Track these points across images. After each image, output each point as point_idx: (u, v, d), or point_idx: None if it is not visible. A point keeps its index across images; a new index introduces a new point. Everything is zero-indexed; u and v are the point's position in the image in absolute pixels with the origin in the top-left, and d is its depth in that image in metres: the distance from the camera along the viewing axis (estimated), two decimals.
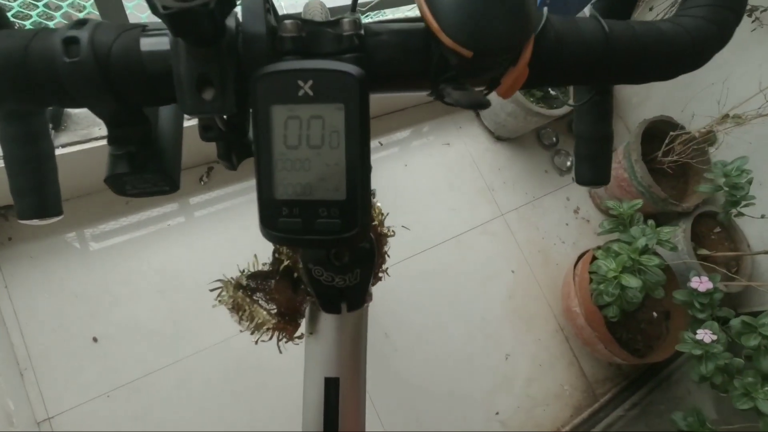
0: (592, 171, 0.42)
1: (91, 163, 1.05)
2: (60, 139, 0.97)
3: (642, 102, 1.82)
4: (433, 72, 0.29)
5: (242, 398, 1.15)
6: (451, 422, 1.33)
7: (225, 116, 0.31)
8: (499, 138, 1.69)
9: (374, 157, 1.53)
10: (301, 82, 0.26)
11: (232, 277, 0.37)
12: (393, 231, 0.43)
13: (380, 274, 0.45)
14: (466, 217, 1.55)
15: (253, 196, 1.34)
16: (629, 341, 1.41)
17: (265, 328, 0.36)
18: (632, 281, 1.05)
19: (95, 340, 1.09)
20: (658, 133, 1.56)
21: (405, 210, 1.49)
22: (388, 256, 0.43)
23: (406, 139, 1.60)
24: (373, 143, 1.54)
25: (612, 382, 1.55)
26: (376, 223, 0.41)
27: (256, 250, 0.42)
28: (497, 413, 1.38)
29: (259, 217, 0.28)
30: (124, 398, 1.07)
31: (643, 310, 1.46)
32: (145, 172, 0.31)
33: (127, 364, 1.09)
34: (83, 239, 1.17)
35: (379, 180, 1.49)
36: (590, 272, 1.29)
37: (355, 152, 0.26)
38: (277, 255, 0.39)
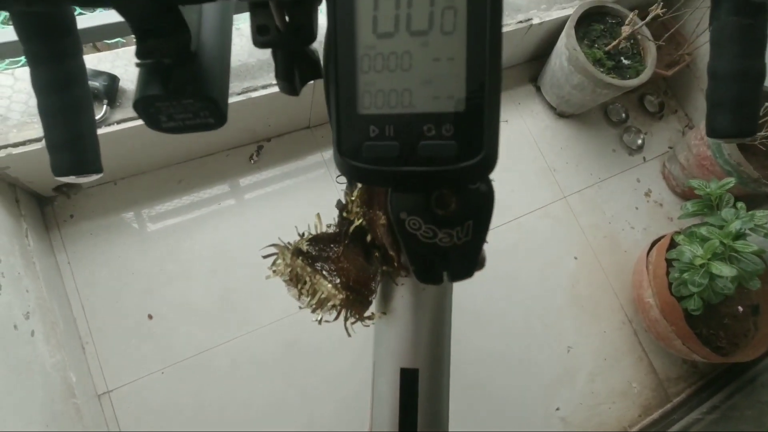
0: (733, 119, 0.33)
1: (146, 140, 1.04)
2: (115, 115, 0.97)
3: None
4: None
5: (293, 380, 1.13)
6: (507, 416, 1.25)
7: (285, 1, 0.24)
8: (561, 114, 1.56)
9: None
10: None
11: (289, 243, 0.31)
12: None
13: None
14: (526, 199, 1.45)
15: (307, 175, 1.29)
16: (710, 338, 1.27)
17: (330, 304, 0.29)
18: (725, 269, 0.92)
19: (150, 317, 1.10)
20: None
21: None
22: None
23: None
24: None
25: (686, 381, 1.41)
26: None
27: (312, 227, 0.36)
28: (557, 409, 1.29)
29: (335, 141, 0.21)
30: (178, 376, 1.07)
31: (727, 303, 1.30)
32: (183, 95, 0.25)
33: (180, 342, 1.10)
34: (139, 218, 1.18)
35: None
36: (669, 259, 1.16)
37: (482, 38, 0.18)
38: (345, 214, 0.31)
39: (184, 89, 0.25)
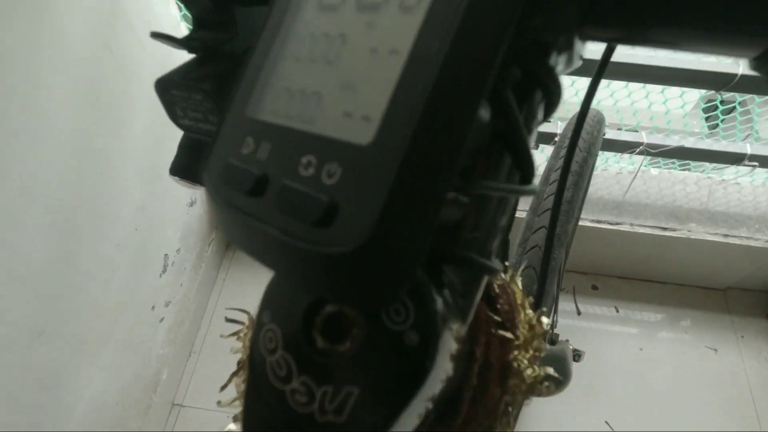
0: None
1: None
2: None
3: None
4: None
5: None
6: None
7: None
8: None
9: (598, 321, 1.23)
10: None
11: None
12: (548, 383, 0.18)
13: None
14: None
15: None
16: None
17: None
18: None
19: None
20: None
21: (620, 405, 1.11)
22: None
23: (652, 322, 1.24)
24: (587, 287, 1.25)
25: None
26: (522, 335, 0.17)
27: None
28: None
29: (210, 146, 0.14)
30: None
31: None
32: (193, 88, 0.22)
33: None
34: None
35: (599, 354, 1.17)
36: None
37: (447, 19, 0.10)
38: None
39: (196, 82, 0.22)
